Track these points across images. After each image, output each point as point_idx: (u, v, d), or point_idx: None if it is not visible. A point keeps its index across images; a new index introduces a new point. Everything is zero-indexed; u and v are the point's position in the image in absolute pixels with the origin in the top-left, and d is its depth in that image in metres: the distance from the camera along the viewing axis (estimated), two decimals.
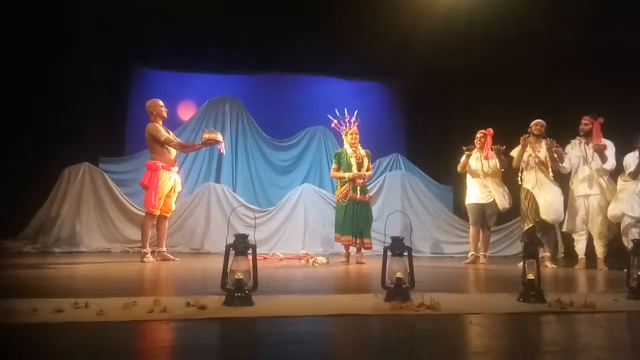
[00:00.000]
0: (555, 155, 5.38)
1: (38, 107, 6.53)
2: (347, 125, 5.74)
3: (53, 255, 5.75)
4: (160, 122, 5.28)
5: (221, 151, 5.45)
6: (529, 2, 6.43)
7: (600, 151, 5.17)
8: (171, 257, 5.33)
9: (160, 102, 5.31)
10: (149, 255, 5.05)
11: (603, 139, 5.31)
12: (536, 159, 5.57)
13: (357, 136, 5.66)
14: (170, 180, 5.24)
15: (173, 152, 5.30)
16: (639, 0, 5.87)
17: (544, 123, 5.62)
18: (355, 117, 5.74)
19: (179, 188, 5.42)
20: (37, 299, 2.26)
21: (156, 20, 6.78)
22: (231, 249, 2.33)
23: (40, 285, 3.20)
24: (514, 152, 5.66)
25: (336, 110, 5.74)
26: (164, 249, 5.36)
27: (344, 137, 5.76)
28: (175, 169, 5.40)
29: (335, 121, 5.78)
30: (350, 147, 5.63)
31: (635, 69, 6.16)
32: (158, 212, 5.16)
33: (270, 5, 6.91)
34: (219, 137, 5.28)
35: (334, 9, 6.99)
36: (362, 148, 5.70)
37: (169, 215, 5.42)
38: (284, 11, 7.05)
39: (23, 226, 6.38)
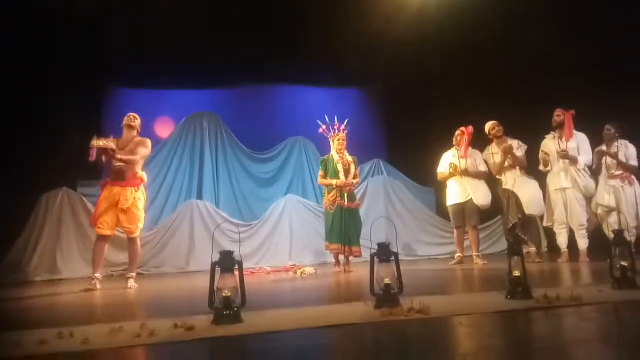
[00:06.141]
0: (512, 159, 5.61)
1: (12, 133, 6.39)
2: (335, 131, 5.72)
3: (34, 284, 5.61)
4: (127, 134, 5.00)
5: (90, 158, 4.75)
6: (498, 3, 6.57)
7: (566, 157, 5.36)
8: (133, 285, 4.72)
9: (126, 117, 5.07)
10: (94, 281, 4.60)
11: (577, 132, 5.46)
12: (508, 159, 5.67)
13: (344, 142, 5.64)
14: (112, 195, 4.76)
15: (121, 166, 4.85)
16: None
17: (497, 123, 5.79)
18: (345, 125, 5.72)
19: (125, 204, 4.71)
20: (20, 331, 2.20)
21: (129, 38, 6.72)
22: (217, 266, 2.31)
23: (22, 316, 3.12)
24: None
25: (326, 116, 5.73)
26: (131, 274, 4.83)
27: (331, 143, 5.72)
28: (144, 184, 4.99)
29: (324, 126, 5.74)
30: (337, 153, 5.61)
31: (606, 66, 6.34)
32: (105, 232, 4.72)
33: (242, 19, 6.92)
34: (93, 141, 4.76)
35: (305, 19, 7.03)
36: (349, 154, 5.67)
37: (133, 236, 4.83)
38: (257, 24, 7.06)
39: (2, 256, 6.22)
